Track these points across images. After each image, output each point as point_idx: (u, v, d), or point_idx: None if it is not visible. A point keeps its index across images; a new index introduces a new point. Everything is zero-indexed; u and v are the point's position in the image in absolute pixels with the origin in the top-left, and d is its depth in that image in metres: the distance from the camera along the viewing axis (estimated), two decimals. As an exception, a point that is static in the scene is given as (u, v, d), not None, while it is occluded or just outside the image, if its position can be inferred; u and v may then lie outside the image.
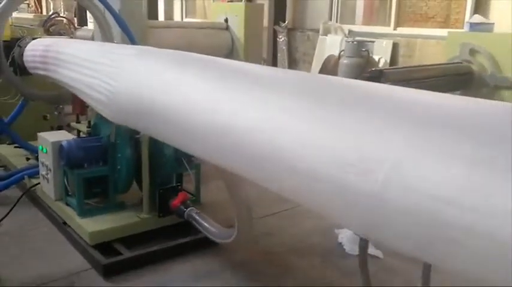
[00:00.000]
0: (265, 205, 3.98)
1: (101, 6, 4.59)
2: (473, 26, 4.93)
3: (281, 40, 11.36)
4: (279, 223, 3.90)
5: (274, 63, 11.05)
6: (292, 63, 10.88)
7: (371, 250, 3.44)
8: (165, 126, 2.07)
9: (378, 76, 4.00)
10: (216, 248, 3.37)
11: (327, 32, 10.25)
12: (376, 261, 3.33)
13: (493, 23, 5.06)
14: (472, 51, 4.73)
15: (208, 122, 1.75)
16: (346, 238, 3.54)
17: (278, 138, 1.47)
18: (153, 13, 14.25)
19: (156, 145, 3.36)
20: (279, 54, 11.39)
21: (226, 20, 7.09)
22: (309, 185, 1.40)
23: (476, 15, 5.43)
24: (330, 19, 10.67)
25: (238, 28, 6.90)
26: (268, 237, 3.65)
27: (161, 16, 14.42)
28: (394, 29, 9.52)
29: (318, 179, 1.34)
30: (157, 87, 2.12)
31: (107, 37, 4.65)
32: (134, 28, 4.89)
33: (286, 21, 11.31)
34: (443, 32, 7.28)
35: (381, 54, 8.82)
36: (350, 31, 10.09)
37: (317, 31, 10.47)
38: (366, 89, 1.66)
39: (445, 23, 9.12)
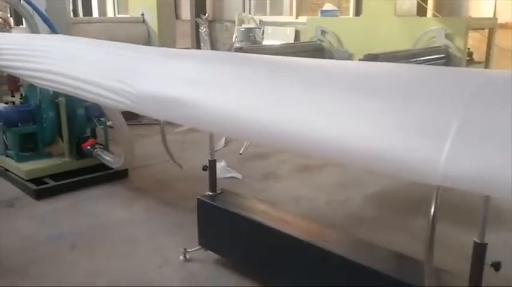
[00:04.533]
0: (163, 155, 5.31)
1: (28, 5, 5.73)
2: (324, 13, 6.42)
3: (203, 31, 12.63)
4: (171, 165, 5.21)
5: (197, 52, 12.38)
6: (213, 51, 12.15)
7: (233, 173, 4.86)
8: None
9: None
10: (120, 180, 4.69)
11: (241, 22, 11.59)
12: (237, 181, 4.73)
13: (337, 10, 6.55)
14: (323, 32, 6.19)
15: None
16: (218, 168, 4.88)
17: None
18: (87, 11, 15.23)
19: (71, 107, 4.62)
20: (201, 44, 12.66)
21: (142, 15, 8.33)
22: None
23: (328, 4, 6.93)
24: (244, 11, 12.02)
25: (152, 21, 8.16)
26: (160, 173, 4.97)
27: (95, 13, 15.33)
28: (296, 18, 10.95)
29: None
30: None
31: (33, 33, 5.80)
32: (59, 24, 6.04)
33: (207, 14, 12.58)
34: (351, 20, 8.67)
35: (286, 40, 10.25)
36: (261, 21, 11.46)
37: (233, 22, 11.81)
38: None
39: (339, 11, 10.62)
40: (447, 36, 5.14)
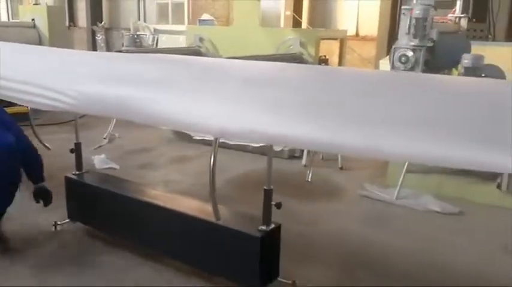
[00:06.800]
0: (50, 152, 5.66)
1: None
2: (202, 22, 7.08)
3: (99, 38, 12.89)
4: (56, 160, 5.58)
5: (92, 58, 12.68)
6: (109, 58, 12.46)
7: (111, 164, 5.33)
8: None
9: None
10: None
11: (136, 30, 11.99)
12: (116, 171, 5.20)
13: (213, 19, 7.27)
14: (201, 39, 6.84)
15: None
16: (97, 160, 5.36)
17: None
18: (-22, 15, 14.84)
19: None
20: (98, 50, 12.92)
21: (33, 20, 8.55)
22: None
23: (205, 14, 7.63)
24: (139, 19, 12.46)
25: (43, 27, 8.41)
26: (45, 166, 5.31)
27: (-13, 18, 14.98)
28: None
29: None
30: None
31: None
32: None
33: (103, 22, 12.87)
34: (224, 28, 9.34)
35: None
36: (155, 29, 11.93)
37: (130, 30, 12.19)
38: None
39: (226, 22, 11.40)
40: (302, 44, 5.98)
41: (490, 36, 7.38)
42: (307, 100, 2.08)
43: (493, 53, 5.46)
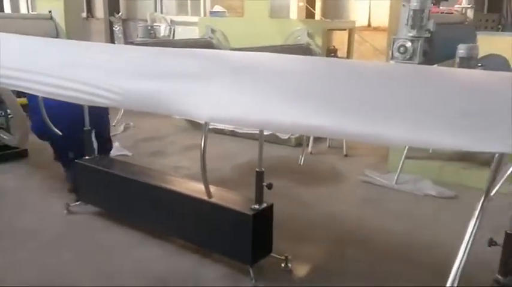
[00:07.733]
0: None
1: None
2: (213, 13, 7.25)
3: (117, 29, 13.12)
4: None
5: (110, 49, 12.99)
6: (127, 49, 12.71)
7: (124, 151, 5.56)
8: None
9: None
10: (21, 158, 5.27)
11: (153, 21, 12.21)
12: (128, 157, 5.44)
13: (225, 11, 7.43)
14: (212, 30, 7.02)
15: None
16: (115, 148, 5.59)
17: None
18: (-1, 7, 15.21)
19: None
20: (116, 42, 13.16)
21: (50, 12, 8.81)
22: None
23: (216, 6, 7.78)
24: (156, 11, 12.68)
25: (60, 18, 8.66)
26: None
27: (8, 9, 15.38)
28: (203, 18, 11.69)
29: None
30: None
31: None
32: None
33: (120, 13, 13.10)
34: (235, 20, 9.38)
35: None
36: (172, 20, 12.15)
37: (146, 21, 12.42)
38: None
39: (242, 13, 11.49)
40: (309, 35, 6.12)
41: (499, 26, 7.42)
42: (293, 87, 2.25)
43: (503, 43, 5.53)
